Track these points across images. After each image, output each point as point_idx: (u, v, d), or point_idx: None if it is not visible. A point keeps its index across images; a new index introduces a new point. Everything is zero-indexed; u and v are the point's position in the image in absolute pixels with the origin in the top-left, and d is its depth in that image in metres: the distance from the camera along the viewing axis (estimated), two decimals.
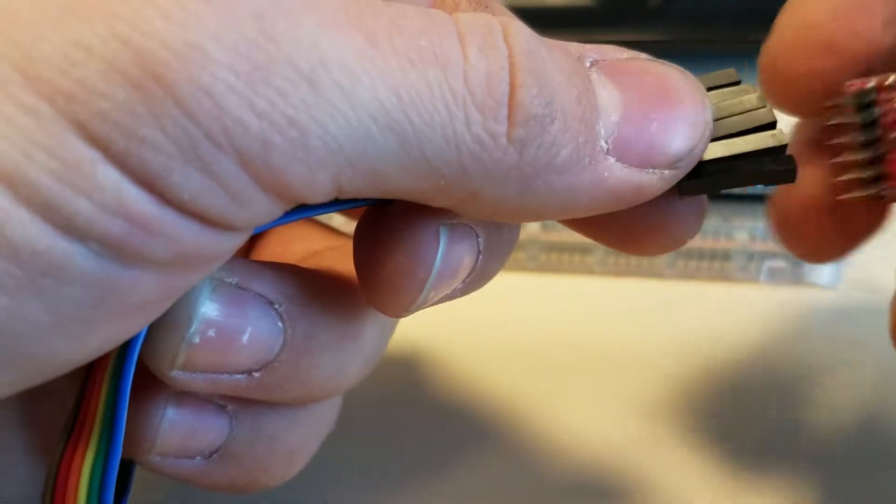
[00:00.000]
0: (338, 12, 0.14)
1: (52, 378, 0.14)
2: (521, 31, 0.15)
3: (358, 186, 0.14)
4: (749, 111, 0.18)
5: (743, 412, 0.27)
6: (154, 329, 0.16)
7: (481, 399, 0.28)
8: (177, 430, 0.18)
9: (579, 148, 0.16)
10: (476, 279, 0.18)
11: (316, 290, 0.18)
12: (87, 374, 0.16)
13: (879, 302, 0.16)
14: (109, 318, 0.14)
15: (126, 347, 0.15)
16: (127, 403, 0.15)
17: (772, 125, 0.18)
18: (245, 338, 0.17)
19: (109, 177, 0.12)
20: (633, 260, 0.31)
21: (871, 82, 0.18)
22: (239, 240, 0.15)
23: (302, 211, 0.15)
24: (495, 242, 0.18)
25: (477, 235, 0.18)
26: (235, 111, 0.13)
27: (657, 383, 0.28)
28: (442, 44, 0.14)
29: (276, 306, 0.17)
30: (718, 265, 0.32)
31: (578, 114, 0.16)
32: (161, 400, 0.18)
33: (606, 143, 0.16)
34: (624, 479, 0.25)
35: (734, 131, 0.17)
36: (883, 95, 0.18)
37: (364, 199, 0.16)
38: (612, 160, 0.16)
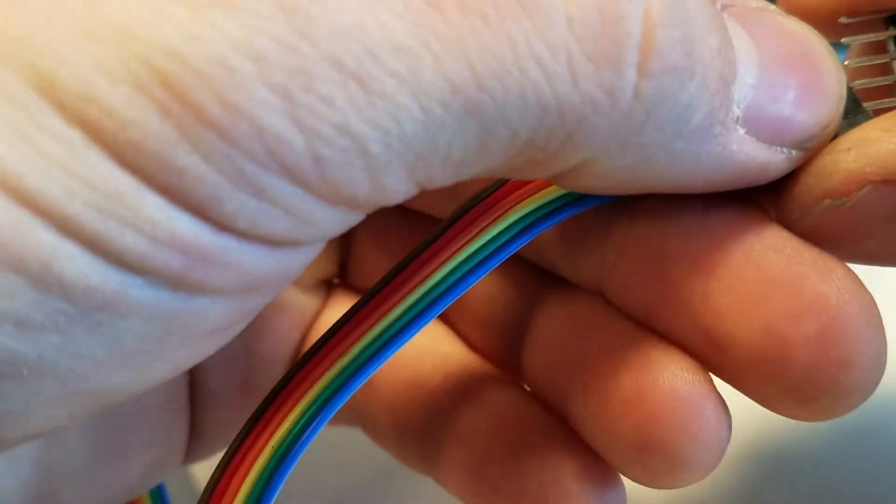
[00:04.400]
0: None
1: (117, 405, 0.13)
2: None
3: (441, 178, 0.12)
4: None
5: (744, 411, 0.26)
6: None
7: None
8: None
9: (714, 112, 0.13)
10: None
11: None
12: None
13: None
14: (176, 347, 0.13)
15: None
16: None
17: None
18: None
19: (158, 207, 0.11)
20: None
21: None
22: (313, 252, 0.13)
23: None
24: None
25: None
26: (275, 128, 0.11)
27: None
28: None
29: None
30: None
31: (718, 69, 0.12)
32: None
33: (738, 108, 0.13)
34: None
35: None
36: None
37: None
38: (742, 131, 0.13)
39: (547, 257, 0.17)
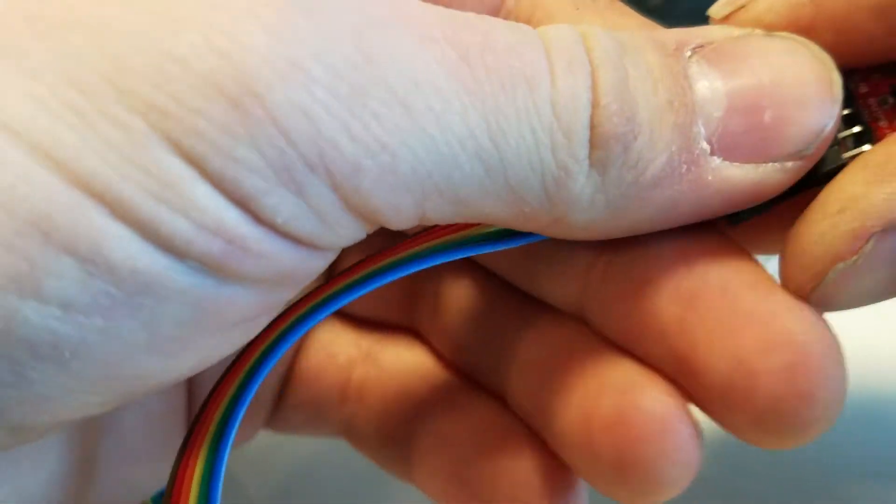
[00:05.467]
0: (433, 27, 0.13)
1: (144, 397, 0.14)
2: (602, 40, 0.14)
3: (442, 213, 0.14)
4: None
5: None
6: None
7: None
8: None
9: (673, 157, 0.14)
10: None
11: None
12: (211, 391, 0.16)
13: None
14: (206, 335, 0.13)
15: (248, 377, 0.16)
16: (236, 428, 0.15)
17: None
18: None
19: (206, 196, 0.12)
20: None
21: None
22: (328, 259, 0.14)
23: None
24: None
25: None
26: (331, 134, 0.12)
27: None
28: (532, 64, 0.13)
29: None
30: None
31: (670, 120, 0.14)
32: None
33: (709, 142, 0.14)
34: None
35: None
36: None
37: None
38: (718, 160, 0.14)
39: (531, 282, 0.19)
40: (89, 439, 0.17)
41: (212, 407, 0.16)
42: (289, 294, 0.14)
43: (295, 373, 0.21)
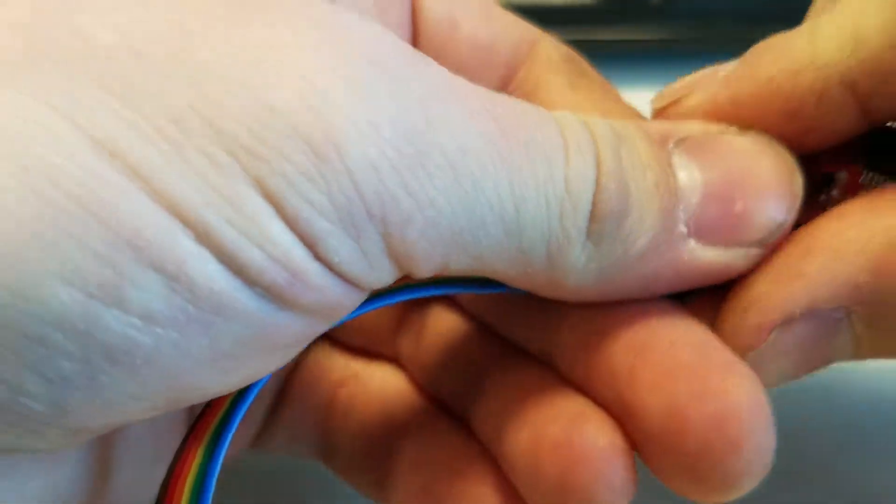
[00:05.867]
0: (477, 101, 0.15)
1: (187, 406, 0.15)
2: (601, 127, 0.16)
3: (461, 266, 0.15)
4: None
5: None
6: None
7: None
8: None
9: (657, 236, 0.16)
10: None
11: None
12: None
13: None
14: (256, 355, 0.14)
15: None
16: (235, 427, 0.16)
17: None
18: None
19: (280, 232, 0.13)
20: None
21: None
22: (361, 299, 0.15)
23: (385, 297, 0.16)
24: None
25: None
26: (392, 188, 0.13)
27: None
28: (551, 141, 0.15)
29: None
30: None
31: (656, 203, 0.16)
32: None
33: (686, 225, 0.16)
34: None
35: None
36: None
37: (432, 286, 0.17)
38: (692, 242, 0.16)
39: (508, 329, 0.20)
40: (104, 446, 0.18)
41: (217, 403, 0.16)
42: (326, 326, 0.15)
43: (287, 391, 0.22)
